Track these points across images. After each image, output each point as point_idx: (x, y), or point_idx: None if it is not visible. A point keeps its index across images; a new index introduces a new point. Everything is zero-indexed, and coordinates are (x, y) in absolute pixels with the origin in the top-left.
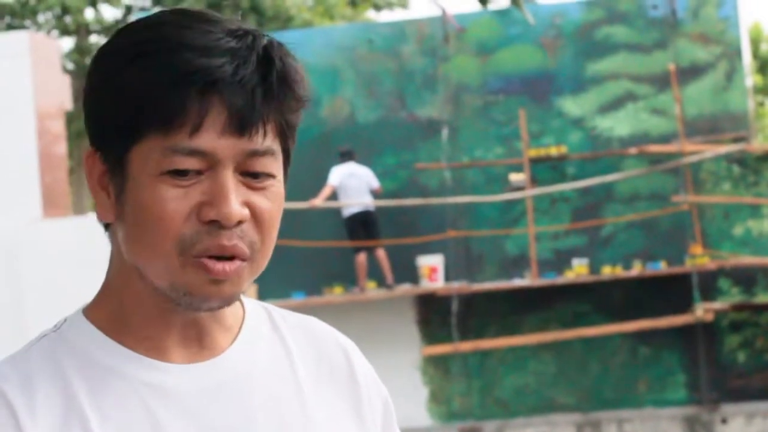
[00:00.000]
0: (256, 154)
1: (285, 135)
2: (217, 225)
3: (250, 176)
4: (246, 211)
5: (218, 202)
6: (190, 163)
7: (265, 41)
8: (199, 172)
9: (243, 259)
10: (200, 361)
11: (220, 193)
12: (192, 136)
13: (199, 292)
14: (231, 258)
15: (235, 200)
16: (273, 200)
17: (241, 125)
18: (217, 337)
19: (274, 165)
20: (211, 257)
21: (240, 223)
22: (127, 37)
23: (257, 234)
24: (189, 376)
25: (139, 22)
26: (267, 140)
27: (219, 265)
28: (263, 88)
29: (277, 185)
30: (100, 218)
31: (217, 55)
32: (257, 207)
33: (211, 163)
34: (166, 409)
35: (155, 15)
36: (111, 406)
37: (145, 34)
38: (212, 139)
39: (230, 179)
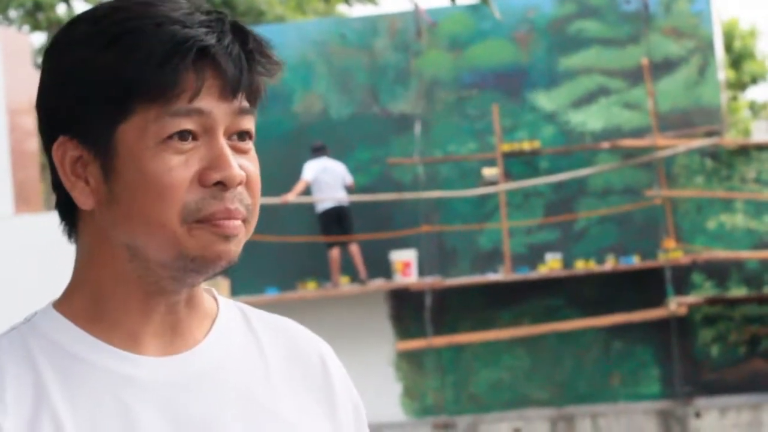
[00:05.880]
0: (242, 112)
1: (256, 99)
2: (220, 187)
3: (237, 137)
4: (243, 173)
5: (220, 164)
6: (190, 123)
7: (228, 16)
8: (195, 138)
9: (242, 221)
10: (174, 353)
11: (220, 156)
12: (191, 102)
13: (210, 251)
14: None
15: (235, 161)
16: (255, 164)
17: (234, 91)
18: (191, 328)
19: (253, 125)
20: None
21: (239, 184)
22: (96, 23)
23: (249, 197)
24: (162, 368)
25: (96, 10)
26: (246, 103)
27: (230, 222)
28: (246, 55)
29: (253, 148)
30: (80, 206)
31: (197, 27)
32: (247, 170)
33: (207, 127)
34: (139, 401)
35: (108, 3)
36: (83, 398)
37: (118, 16)
38: (209, 103)
39: (226, 143)
